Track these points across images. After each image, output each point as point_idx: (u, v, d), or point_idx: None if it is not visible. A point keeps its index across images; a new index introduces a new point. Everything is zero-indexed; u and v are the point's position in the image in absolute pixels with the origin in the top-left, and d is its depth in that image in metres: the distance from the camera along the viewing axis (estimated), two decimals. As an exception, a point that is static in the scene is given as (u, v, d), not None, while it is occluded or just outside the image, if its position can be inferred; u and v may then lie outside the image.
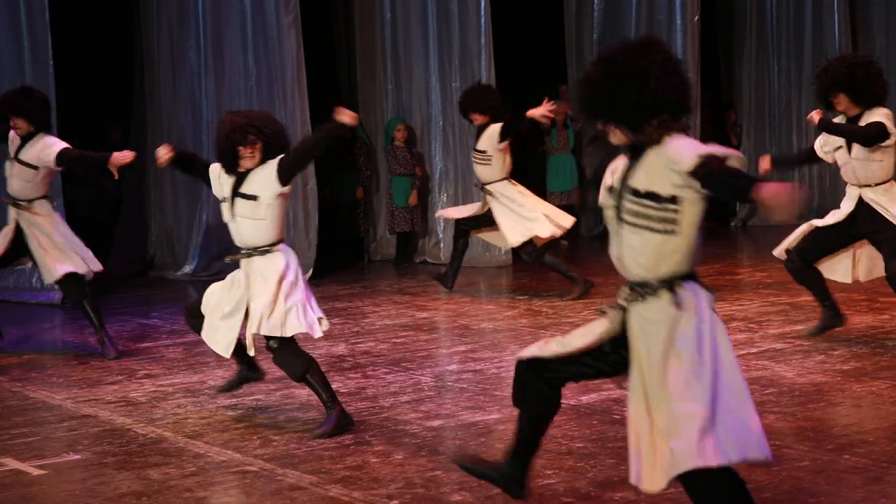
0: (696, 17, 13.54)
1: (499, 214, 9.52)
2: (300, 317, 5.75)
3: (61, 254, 7.78)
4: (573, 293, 9.47)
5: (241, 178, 5.82)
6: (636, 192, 3.77)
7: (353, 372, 7.14)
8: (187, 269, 11.72)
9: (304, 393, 6.59)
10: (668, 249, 3.77)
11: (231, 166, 5.85)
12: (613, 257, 3.93)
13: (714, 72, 15.49)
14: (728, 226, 15.18)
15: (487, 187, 9.61)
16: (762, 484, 4.73)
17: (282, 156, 5.80)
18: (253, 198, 5.76)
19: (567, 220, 9.56)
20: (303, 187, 11.41)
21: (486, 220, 9.73)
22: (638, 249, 3.80)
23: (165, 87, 11.81)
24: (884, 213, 7.18)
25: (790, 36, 14.88)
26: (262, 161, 5.78)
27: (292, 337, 5.82)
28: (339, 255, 12.45)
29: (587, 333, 4.05)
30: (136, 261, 12.12)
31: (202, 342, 8.26)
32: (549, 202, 13.49)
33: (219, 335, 5.96)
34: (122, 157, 7.47)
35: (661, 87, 3.74)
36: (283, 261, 5.81)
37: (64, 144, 7.71)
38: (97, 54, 13.10)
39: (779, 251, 7.67)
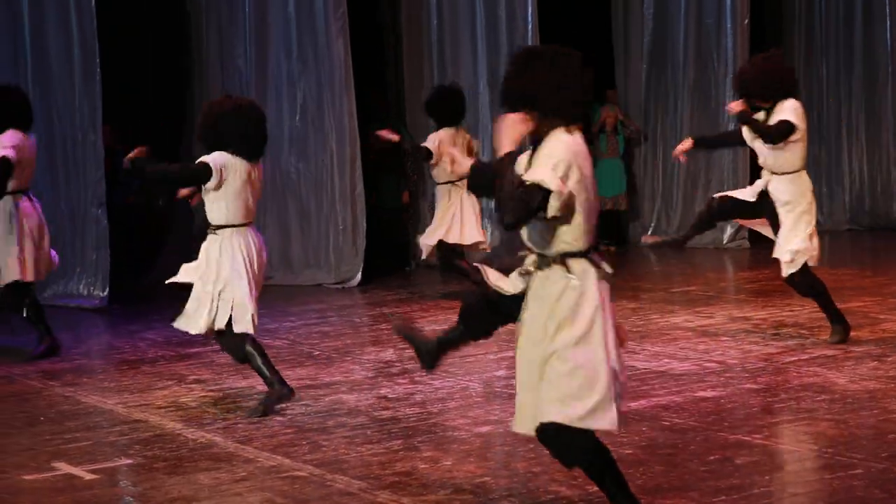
0: (746, 21, 13.42)
1: None
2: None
3: None
4: None
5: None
6: None
7: (401, 377, 7.15)
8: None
9: (352, 398, 6.62)
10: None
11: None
12: None
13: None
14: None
15: None
16: (815, 493, 4.69)
17: None
18: None
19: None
20: (351, 192, 11.44)
21: None
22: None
23: (215, 94, 11.88)
24: (778, 211, 7.55)
25: (839, 37, 14.72)
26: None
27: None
28: (385, 261, 12.47)
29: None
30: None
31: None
32: (601, 206, 13.55)
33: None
34: None
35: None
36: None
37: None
38: (147, 64, 13.21)
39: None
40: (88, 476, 5.34)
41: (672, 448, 5.41)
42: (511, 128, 4.13)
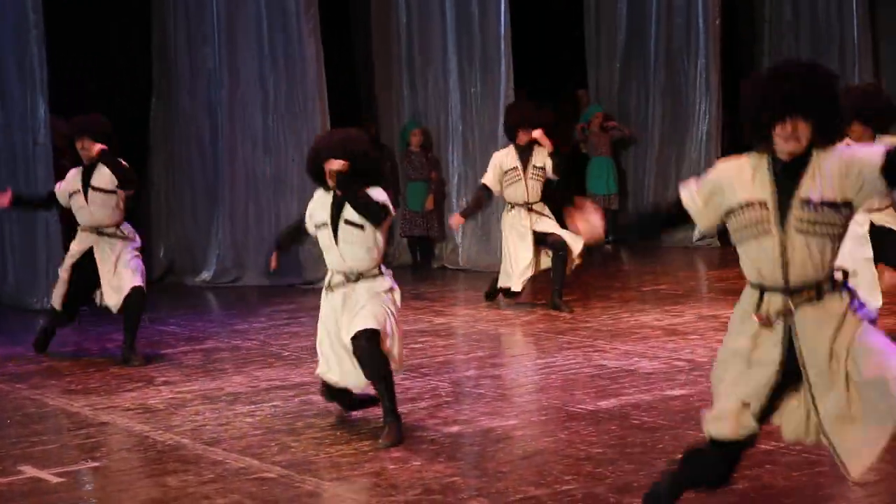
0: (717, 21, 13.49)
1: (553, 227, 9.22)
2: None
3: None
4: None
5: (339, 205, 5.75)
6: (810, 203, 3.82)
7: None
8: (205, 275, 11.73)
9: (321, 399, 6.58)
10: (834, 251, 3.88)
11: (322, 185, 5.84)
12: (761, 268, 3.89)
13: (731, 74, 15.41)
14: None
15: (535, 206, 9.29)
16: (783, 489, 4.70)
17: (385, 200, 5.73)
18: (360, 227, 5.71)
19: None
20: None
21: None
22: (813, 254, 3.84)
23: (184, 93, 11.85)
24: None
25: (810, 38, 14.80)
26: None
27: (379, 335, 5.65)
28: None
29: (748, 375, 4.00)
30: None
31: (220, 349, 8.34)
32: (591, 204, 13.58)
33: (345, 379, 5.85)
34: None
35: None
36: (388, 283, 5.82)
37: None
38: (113, 65, 13.12)
39: None
40: (54, 479, 5.29)
41: (642, 447, 5.42)
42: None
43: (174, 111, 11.96)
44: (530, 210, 9.26)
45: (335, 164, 5.65)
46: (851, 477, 3.93)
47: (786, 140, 3.83)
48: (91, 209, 7.85)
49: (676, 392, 6.46)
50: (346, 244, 5.74)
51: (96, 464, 5.54)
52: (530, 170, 9.27)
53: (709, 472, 4.04)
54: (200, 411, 6.48)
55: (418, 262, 12.64)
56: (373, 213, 5.67)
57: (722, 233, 13.89)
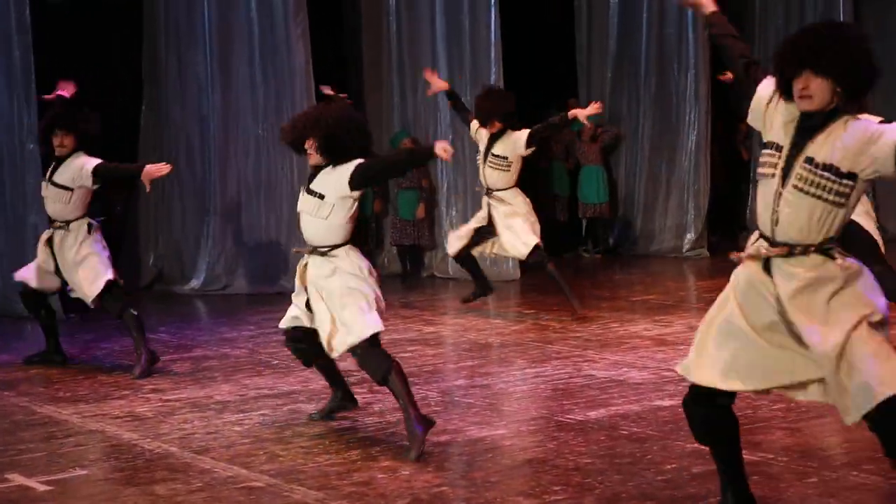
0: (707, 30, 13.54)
1: (501, 227, 9.38)
2: (369, 315, 5.67)
3: (90, 272, 7.73)
4: (574, 313, 9.31)
5: (313, 175, 5.84)
6: (813, 162, 3.82)
7: (359, 387, 7.11)
8: (194, 283, 11.71)
9: (310, 408, 6.58)
10: (832, 219, 3.85)
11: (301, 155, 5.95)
12: (760, 210, 3.96)
13: (722, 84, 15.45)
14: (736, 239, 15.13)
15: (497, 193, 9.44)
16: (770, 501, 4.71)
17: (360, 161, 5.74)
18: (320, 196, 5.74)
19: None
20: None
21: (488, 231, 9.53)
22: (800, 214, 3.86)
23: (173, 101, 11.84)
24: None
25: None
26: (331, 162, 5.76)
27: (375, 336, 5.66)
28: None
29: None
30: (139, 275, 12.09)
31: (208, 357, 8.32)
32: (582, 213, 13.65)
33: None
34: (157, 169, 7.47)
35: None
36: (338, 268, 5.74)
37: (97, 161, 7.68)
38: (104, 71, 13.10)
39: None
40: (42, 488, 5.27)
41: (630, 457, 5.43)
42: None
43: (164, 118, 11.95)
44: (490, 195, 9.46)
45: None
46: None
47: (798, 96, 3.81)
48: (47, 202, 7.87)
49: (665, 402, 6.46)
50: (308, 216, 5.79)
51: (84, 472, 5.53)
52: (489, 157, 9.47)
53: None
54: (189, 419, 6.47)
55: (408, 271, 12.64)
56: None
57: (710, 243, 13.88)
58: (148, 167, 7.55)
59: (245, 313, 10.40)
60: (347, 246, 5.78)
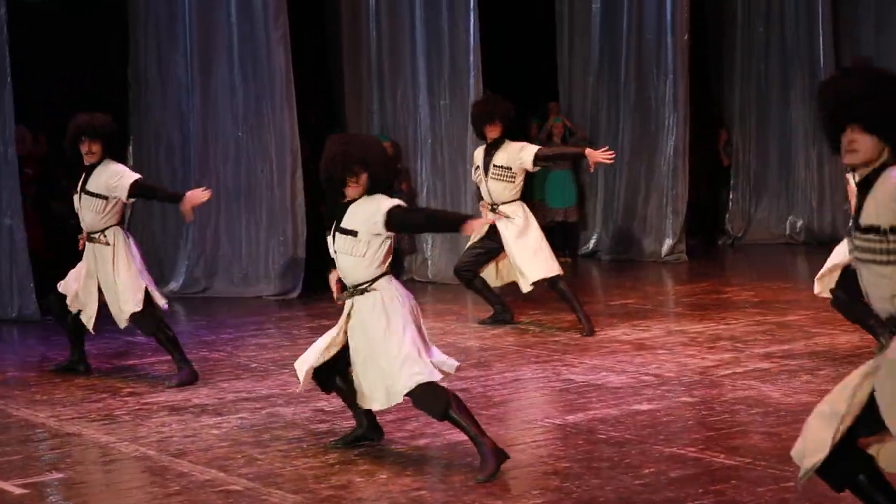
0: (686, 37, 13.58)
1: (512, 244, 8.88)
2: (418, 362, 5.32)
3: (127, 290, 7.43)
4: (584, 329, 8.84)
5: (340, 211, 5.53)
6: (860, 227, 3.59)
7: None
8: (173, 285, 11.67)
9: (288, 411, 6.57)
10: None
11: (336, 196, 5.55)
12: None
13: (705, 91, 15.53)
14: (716, 244, 15.21)
15: (501, 208, 8.93)
16: (747, 505, 4.73)
17: (398, 203, 5.49)
18: (353, 233, 5.47)
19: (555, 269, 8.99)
20: (291, 203, 11.41)
21: (494, 249, 9.03)
22: (872, 284, 3.62)
23: (154, 103, 11.81)
24: None
25: (779, 54, 14.95)
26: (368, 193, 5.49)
27: (423, 385, 5.33)
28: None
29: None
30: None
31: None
32: (550, 217, 13.59)
33: (304, 364, 5.64)
34: (199, 196, 7.26)
35: None
36: (381, 301, 5.45)
37: (136, 175, 7.45)
38: (84, 76, 13.06)
39: (820, 290, 7.40)
40: (18, 491, 5.25)
41: (608, 461, 5.44)
42: None
43: (145, 120, 11.91)
44: (495, 211, 8.94)
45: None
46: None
47: (843, 152, 3.58)
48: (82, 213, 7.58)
49: (644, 407, 6.48)
50: (342, 254, 5.54)
51: (60, 475, 5.50)
52: (491, 169, 8.99)
53: None
54: (167, 423, 6.45)
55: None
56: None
57: (689, 248, 13.86)
58: (189, 194, 7.30)
59: (224, 316, 10.38)
60: (387, 276, 5.55)
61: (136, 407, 6.85)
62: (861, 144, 3.55)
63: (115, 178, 7.40)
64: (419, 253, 12.47)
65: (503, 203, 8.96)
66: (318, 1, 13.42)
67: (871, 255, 3.55)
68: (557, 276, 8.92)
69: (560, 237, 13.63)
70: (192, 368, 7.50)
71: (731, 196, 15.25)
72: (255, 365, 8.02)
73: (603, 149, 9.06)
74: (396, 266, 12.59)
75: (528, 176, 9.31)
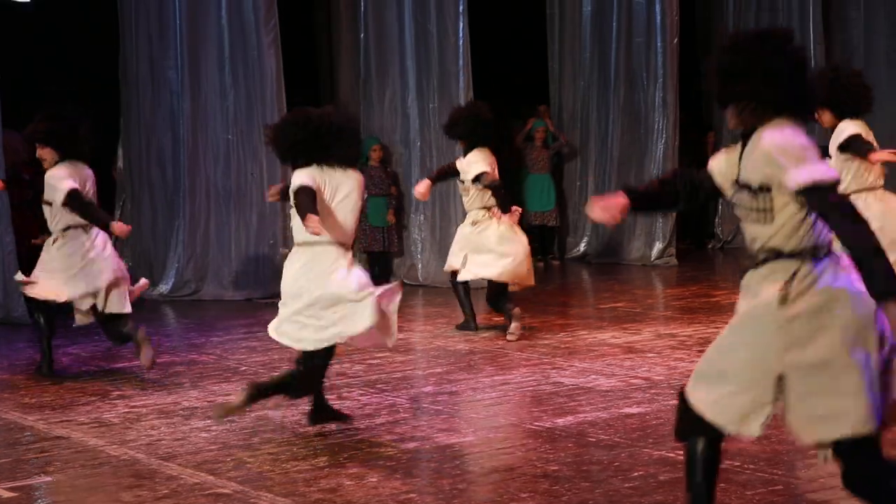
0: (675, 40, 13.62)
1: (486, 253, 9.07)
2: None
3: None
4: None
5: None
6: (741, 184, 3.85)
7: (327, 394, 7.10)
8: (163, 288, 11.66)
9: (277, 415, 6.56)
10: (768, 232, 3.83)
11: None
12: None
13: (694, 94, 15.56)
14: (706, 248, 15.24)
15: (472, 215, 9.11)
16: (736, 508, 4.73)
17: None
18: None
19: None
20: (281, 206, 11.39)
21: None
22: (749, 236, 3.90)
23: (144, 105, 11.80)
24: None
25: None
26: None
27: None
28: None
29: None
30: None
31: (177, 363, 8.28)
32: (529, 221, 13.57)
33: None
34: (122, 230, 7.41)
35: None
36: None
37: (74, 185, 7.46)
38: (74, 76, 13.04)
39: None
40: (7, 494, 5.23)
41: (598, 464, 5.44)
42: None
43: (135, 122, 11.90)
44: (474, 223, 9.08)
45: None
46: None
47: (729, 118, 3.90)
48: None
49: (633, 410, 6.49)
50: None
51: (49, 478, 5.49)
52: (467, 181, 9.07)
53: None
54: (156, 426, 6.44)
55: (377, 278, 12.60)
56: None
57: (679, 252, 13.85)
58: (114, 225, 7.45)
59: (213, 319, 10.37)
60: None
61: (125, 410, 6.84)
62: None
63: (53, 181, 7.50)
64: (407, 256, 12.47)
65: (471, 210, 9.11)
66: (307, 4, 13.44)
67: (745, 212, 3.82)
68: (456, 272, 9.16)
69: (538, 241, 13.65)
70: (52, 367, 7.75)
71: (720, 200, 15.26)
72: (244, 368, 8.02)
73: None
74: (385, 268, 12.61)
75: (507, 181, 9.40)
